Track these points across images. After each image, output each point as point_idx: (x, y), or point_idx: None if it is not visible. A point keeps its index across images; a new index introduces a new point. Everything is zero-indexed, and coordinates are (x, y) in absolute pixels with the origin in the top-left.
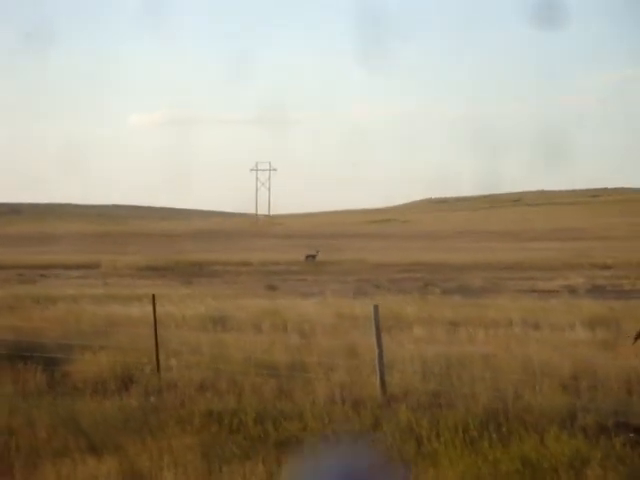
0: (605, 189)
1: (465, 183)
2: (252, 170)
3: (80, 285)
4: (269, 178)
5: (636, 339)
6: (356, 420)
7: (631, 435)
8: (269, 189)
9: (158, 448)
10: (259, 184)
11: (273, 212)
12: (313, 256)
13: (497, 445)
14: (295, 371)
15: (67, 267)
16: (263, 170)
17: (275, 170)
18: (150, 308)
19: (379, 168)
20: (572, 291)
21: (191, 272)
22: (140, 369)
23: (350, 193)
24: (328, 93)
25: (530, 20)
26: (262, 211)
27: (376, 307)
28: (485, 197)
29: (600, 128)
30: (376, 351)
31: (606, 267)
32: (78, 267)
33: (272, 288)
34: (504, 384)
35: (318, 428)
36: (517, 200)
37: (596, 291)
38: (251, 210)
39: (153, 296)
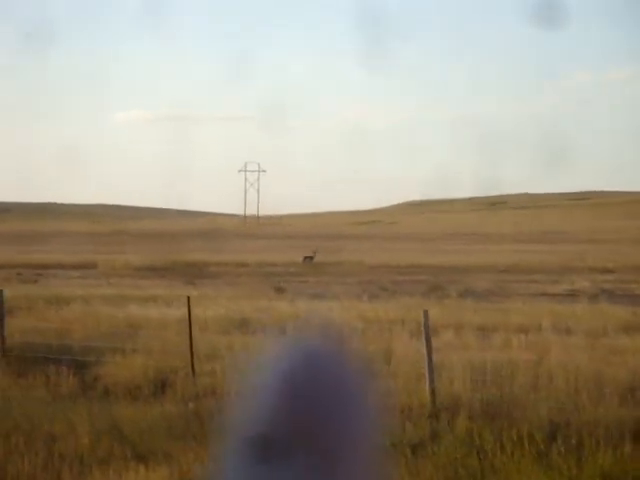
0: (590, 192)
1: (449, 186)
2: (240, 171)
3: (83, 285)
4: (258, 179)
5: None
6: (411, 430)
7: None
8: (258, 190)
9: (209, 456)
10: (248, 185)
11: (262, 213)
12: (311, 257)
13: (569, 459)
14: None
15: (63, 267)
16: (252, 171)
17: (264, 171)
18: (168, 310)
19: (366, 170)
20: (582, 295)
21: (190, 273)
22: (174, 373)
23: (336, 194)
24: (325, 94)
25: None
26: (251, 212)
27: (426, 312)
28: (470, 200)
29: (584, 131)
30: (425, 358)
31: (607, 271)
32: (74, 267)
33: (280, 290)
34: (560, 393)
35: None
36: (502, 203)
37: (607, 295)
38: (239, 211)
39: (188, 298)
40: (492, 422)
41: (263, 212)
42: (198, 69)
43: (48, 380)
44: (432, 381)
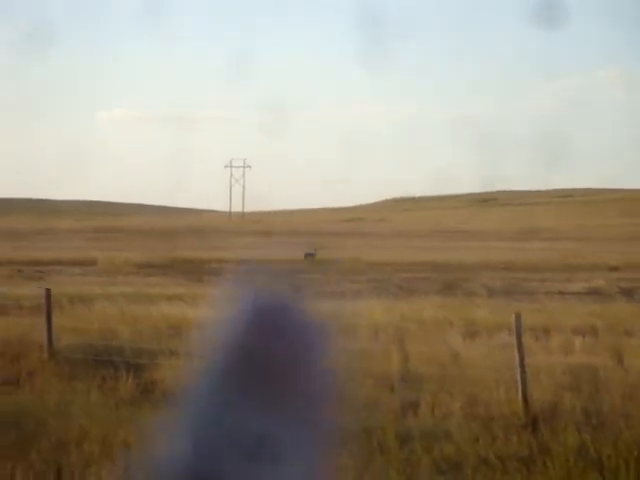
0: (577, 190)
1: (437, 184)
2: (226, 167)
3: (91, 283)
4: (243, 175)
5: None
6: (515, 442)
7: None
8: (243, 186)
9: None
10: (233, 181)
11: (247, 210)
12: (312, 254)
13: None
14: (410, 382)
15: (62, 263)
16: (237, 167)
17: (250, 167)
18: (200, 309)
19: (348, 168)
20: (604, 294)
21: (192, 270)
22: None
23: (320, 192)
24: (323, 93)
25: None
26: (236, 209)
27: (518, 315)
28: (456, 197)
29: (571, 129)
30: (517, 363)
31: (613, 268)
32: (74, 264)
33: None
34: None
35: (473, 452)
36: (491, 200)
37: (628, 294)
38: (224, 208)
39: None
40: (601, 433)
41: (248, 209)
42: (192, 68)
43: (103, 384)
44: (525, 389)
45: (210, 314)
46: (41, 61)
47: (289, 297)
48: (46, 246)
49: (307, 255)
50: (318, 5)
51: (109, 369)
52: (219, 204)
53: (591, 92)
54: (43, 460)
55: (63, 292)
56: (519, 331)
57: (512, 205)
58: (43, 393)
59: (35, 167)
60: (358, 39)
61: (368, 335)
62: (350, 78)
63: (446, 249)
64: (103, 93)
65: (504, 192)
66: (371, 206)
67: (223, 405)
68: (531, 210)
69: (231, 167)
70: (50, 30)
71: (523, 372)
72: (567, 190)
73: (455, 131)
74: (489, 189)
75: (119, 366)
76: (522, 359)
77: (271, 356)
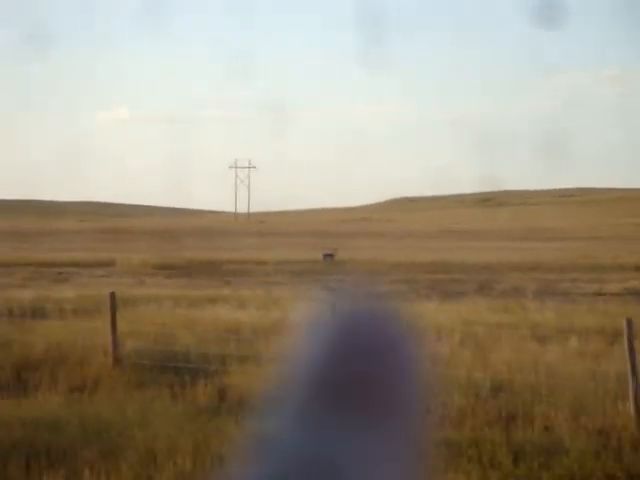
0: (579, 189)
1: (431, 182)
2: (231, 167)
3: (120, 284)
4: (248, 176)
5: None
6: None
7: None
8: (248, 187)
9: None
10: (238, 182)
11: (253, 210)
12: (331, 255)
13: None
14: (501, 391)
15: (79, 265)
16: (242, 167)
17: (254, 168)
18: (250, 312)
19: (349, 168)
20: None
21: (214, 271)
22: None
23: (324, 192)
24: (323, 93)
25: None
26: (242, 209)
27: (629, 320)
28: (454, 197)
29: (572, 129)
30: (629, 372)
31: (637, 268)
32: (92, 265)
33: (332, 290)
34: None
35: (599, 467)
36: (493, 199)
37: None
38: (228, 208)
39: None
40: None
41: (254, 209)
42: (193, 68)
43: (177, 391)
44: (638, 400)
45: (286, 318)
46: (40, 62)
47: (383, 303)
48: (54, 247)
49: (326, 256)
50: (318, 5)
51: (179, 375)
52: (223, 205)
53: (591, 91)
54: (135, 474)
55: (102, 294)
56: (631, 337)
57: (514, 204)
58: (117, 401)
59: (36, 168)
60: (358, 39)
61: (438, 339)
62: (351, 78)
63: (458, 249)
64: (104, 93)
65: (506, 192)
66: (375, 206)
67: (315, 416)
68: (535, 210)
69: (236, 168)
70: (50, 30)
71: (636, 382)
72: (569, 190)
73: (455, 131)
74: (491, 189)
75: (188, 372)
76: (634, 367)
77: (367, 364)
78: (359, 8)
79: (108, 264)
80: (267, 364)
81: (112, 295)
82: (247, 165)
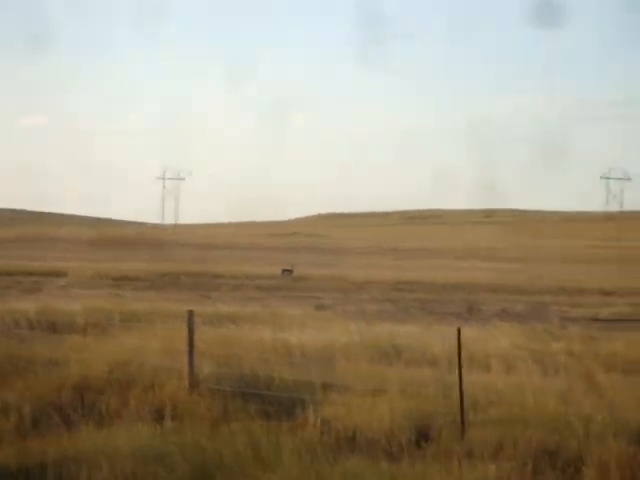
0: (495, 210)
1: (358, 200)
2: (159, 178)
3: (97, 296)
4: (177, 187)
5: None
6: None
7: None
8: (177, 198)
9: None
10: (166, 193)
11: (173, 222)
12: (290, 271)
13: None
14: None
15: (32, 273)
16: (170, 179)
17: (183, 179)
18: (287, 333)
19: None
20: None
21: (180, 284)
22: (436, 420)
23: (246, 204)
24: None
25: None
26: (168, 220)
27: None
28: (376, 214)
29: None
30: None
31: (606, 293)
32: (43, 274)
33: (321, 307)
34: None
35: None
36: (417, 218)
37: None
38: (153, 220)
39: (458, 330)
40: None
41: (178, 221)
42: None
43: (269, 423)
44: None
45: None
46: None
47: None
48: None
49: (284, 271)
50: (318, 5)
51: (266, 404)
52: (149, 216)
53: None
54: None
55: (105, 308)
56: None
57: (445, 224)
58: (213, 432)
59: None
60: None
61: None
62: (351, 77)
63: (410, 268)
64: (31, 100)
65: (428, 211)
66: (302, 220)
67: None
68: (464, 229)
69: (164, 179)
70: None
71: None
72: (490, 210)
73: (379, 148)
74: (409, 208)
75: (276, 401)
76: None
77: None
78: (359, 8)
79: (58, 274)
80: (365, 395)
81: (190, 313)
82: (176, 176)
